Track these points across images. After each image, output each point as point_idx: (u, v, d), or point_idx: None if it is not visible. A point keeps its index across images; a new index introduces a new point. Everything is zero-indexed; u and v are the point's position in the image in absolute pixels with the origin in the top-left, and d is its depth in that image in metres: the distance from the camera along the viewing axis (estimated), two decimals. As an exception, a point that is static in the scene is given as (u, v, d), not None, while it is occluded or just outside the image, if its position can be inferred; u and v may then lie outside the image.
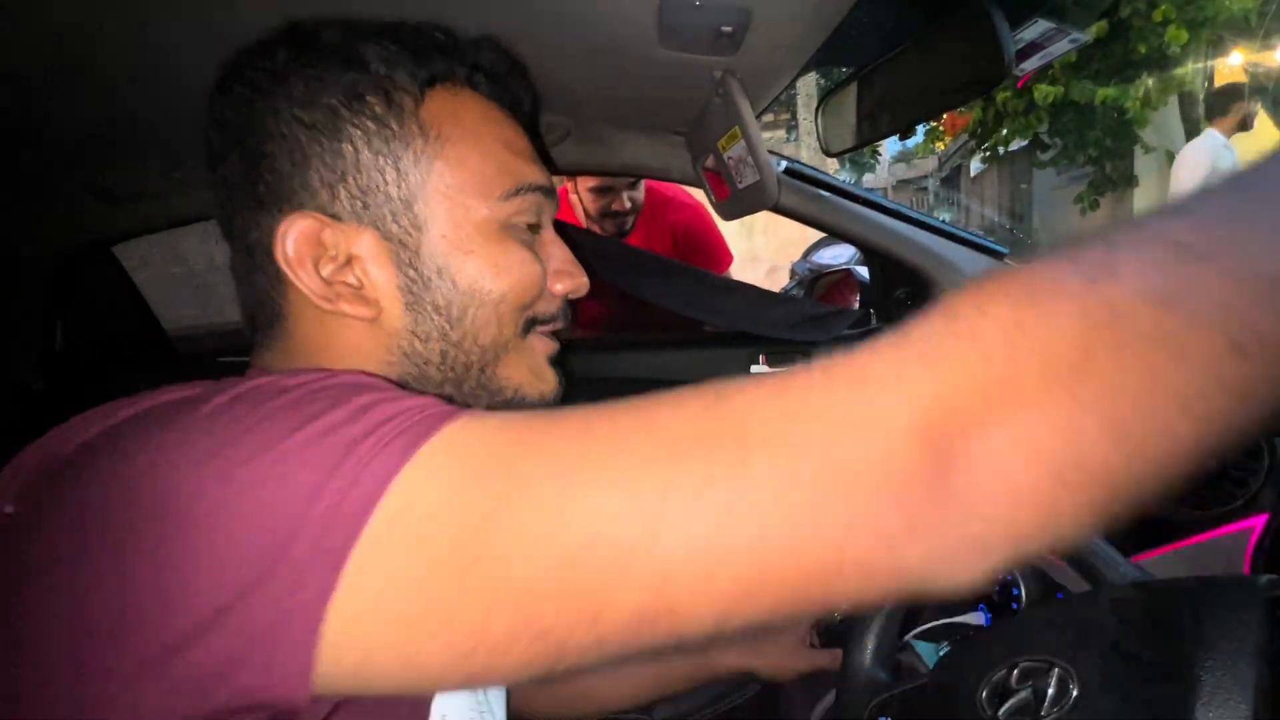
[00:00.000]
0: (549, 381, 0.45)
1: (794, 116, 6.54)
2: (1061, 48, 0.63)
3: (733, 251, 1.81)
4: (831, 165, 6.17)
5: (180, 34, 0.58)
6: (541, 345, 0.45)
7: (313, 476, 0.24)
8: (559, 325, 0.46)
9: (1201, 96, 5.72)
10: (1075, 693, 0.30)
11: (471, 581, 0.24)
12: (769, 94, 0.82)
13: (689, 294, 1.38)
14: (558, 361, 0.47)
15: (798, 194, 1.15)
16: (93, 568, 0.24)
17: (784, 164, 1.16)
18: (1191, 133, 5.92)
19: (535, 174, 0.43)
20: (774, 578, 0.24)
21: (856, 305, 1.76)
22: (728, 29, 0.60)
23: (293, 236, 0.37)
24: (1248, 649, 0.24)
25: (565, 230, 1.39)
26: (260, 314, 0.41)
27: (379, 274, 0.39)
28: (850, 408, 0.24)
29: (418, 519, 0.24)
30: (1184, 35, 4.82)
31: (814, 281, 1.96)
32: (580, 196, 1.59)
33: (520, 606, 0.24)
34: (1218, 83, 5.47)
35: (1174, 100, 5.56)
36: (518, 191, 0.41)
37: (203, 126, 0.40)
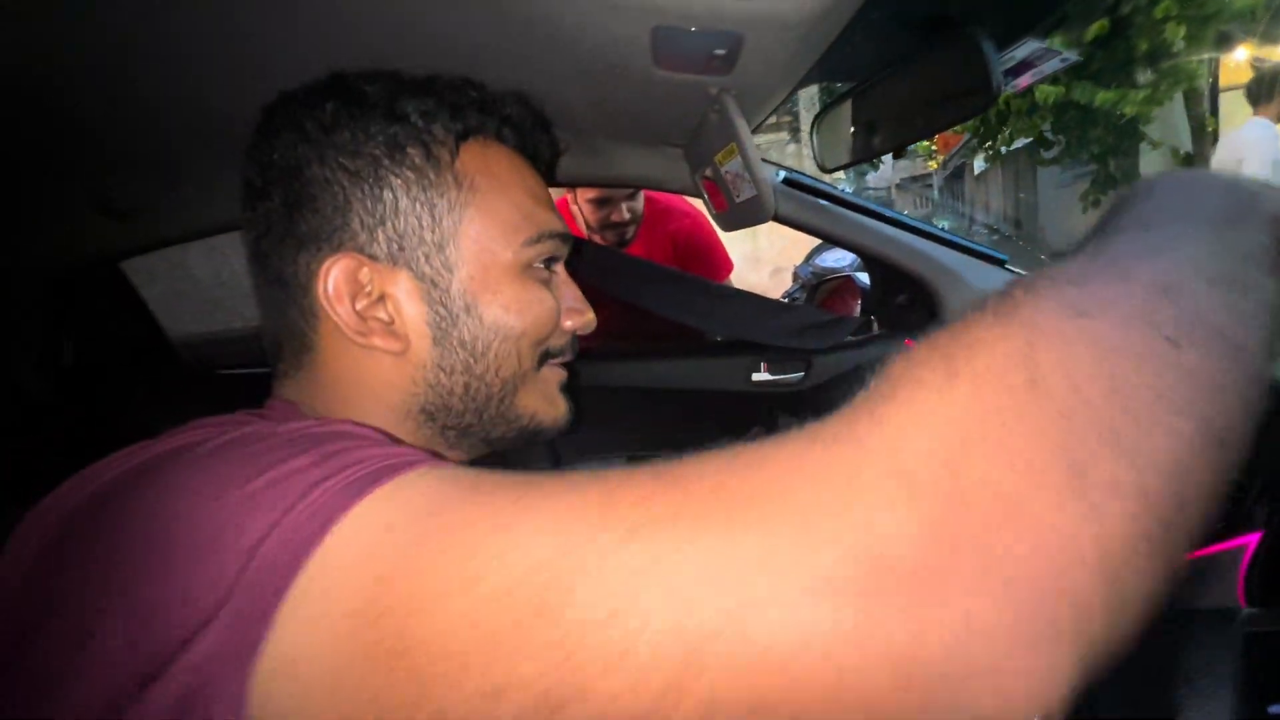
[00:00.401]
0: (561, 407, 0.50)
1: (797, 120, 6.53)
2: (1052, 65, 0.64)
3: (737, 253, 1.81)
4: (834, 166, 6.15)
5: (186, 51, 0.59)
6: (553, 375, 0.49)
7: (268, 517, 0.24)
8: (568, 357, 0.50)
9: (1207, 93, 5.68)
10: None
11: (375, 636, 0.22)
12: (765, 109, 0.82)
13: (689, 303, 1.38)
14: (566, 388, 0.51)
15: (797, 204, 1.16)
16: (88, 607, 0.24)
17: (782, 174, 1.17)
18: (1197, 130, 5.89)
19: (554, 221, 0.47)
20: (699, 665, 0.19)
21: (858, 311, 1.76)
22: (721, 51, 0.60)
23: (334, 274, 0.40)
24: (1225, 684, 0.24)
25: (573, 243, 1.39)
26: (288, 345, 0.43)
27: (410, 310, 0.42)
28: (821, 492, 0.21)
29: (344, 564, 0.23)
30: (1183, 31, 4.79)
31: (816, 287, 1.96)
32: (580, 208, 1.60)
33: (418, 675, 0.21)
34: (1223, 80, 5.43)
35: (1179, 97, 5.53)
36: (539, 239, 0.45)
37: (240, 163, 0.45)
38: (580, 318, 0.50)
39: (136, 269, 1.29)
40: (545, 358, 0.48)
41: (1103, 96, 5.18)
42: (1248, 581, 0.47)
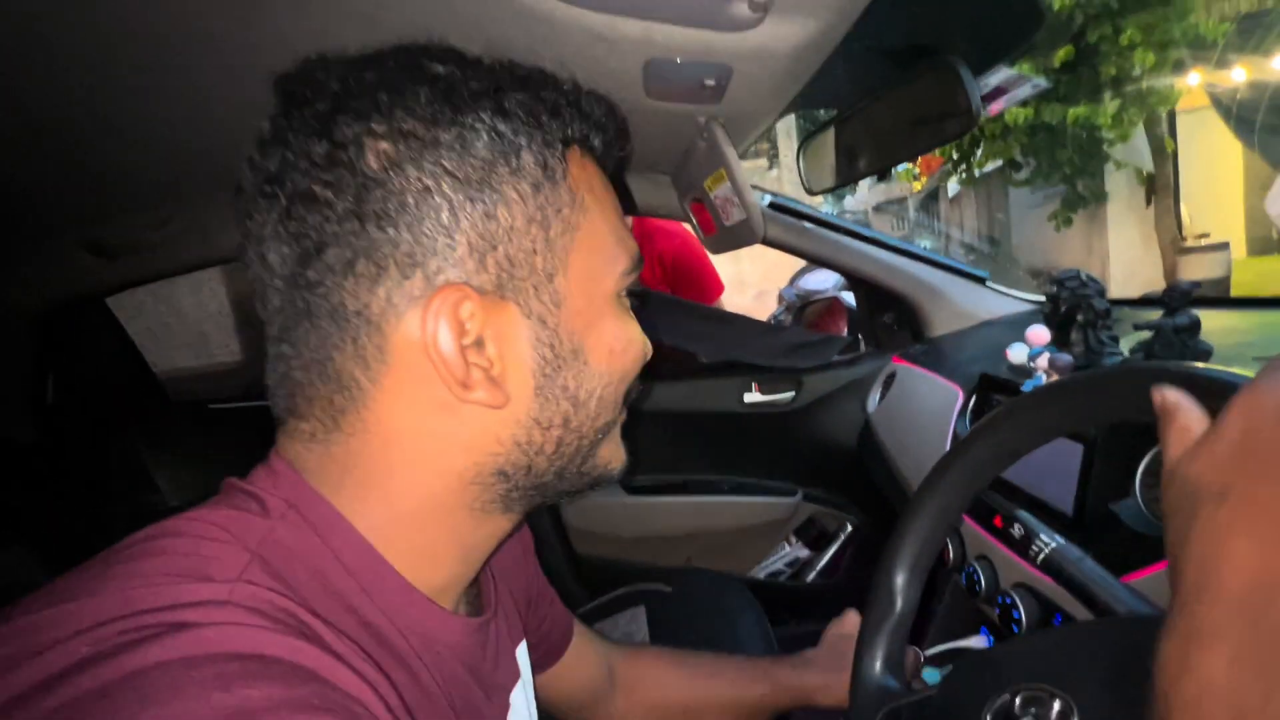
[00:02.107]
0: (624, 452, 0.42)
1: (775, 147, 6.69)
2: (1024, 91, 0.67)
3: (720, 276, 1.83)
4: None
5: (174, 91, 0.60)
6: (623, 417, 0.42)
7: None
8: (634, 395, 0.43)
9: (1165, 116, 5.93)
10: None
11: None
12: (751, 135, 0.85)
13: (679, 326, 1.40)
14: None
15: (782, 227, 1.19)
16: None
17: (768, 198, 1.20)
18: (1157, 149, 6.13)
19: (635, 244, 0.40)
20: None
21: (845, 331, 1.79)
22: (710, 82, 0.63)
23: (439, 311, 0.32)
24: None
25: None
26: (322, 398, 0.33)
27: (515, 355, 0.34)
28: None
29: None
30: (1152, 58, 5.03)
31: (802, 308, 1.99)
32: None
33: None
34: (1181, 103, 5.68)
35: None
36: (633, 266, 0.39)
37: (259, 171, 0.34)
38: (649, 348, 0.42)
39: (122, 304, 1.28)
40: (627, 399, 0.41)
41: (1074, 113, 5.40)
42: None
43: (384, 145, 0.31)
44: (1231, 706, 0.22)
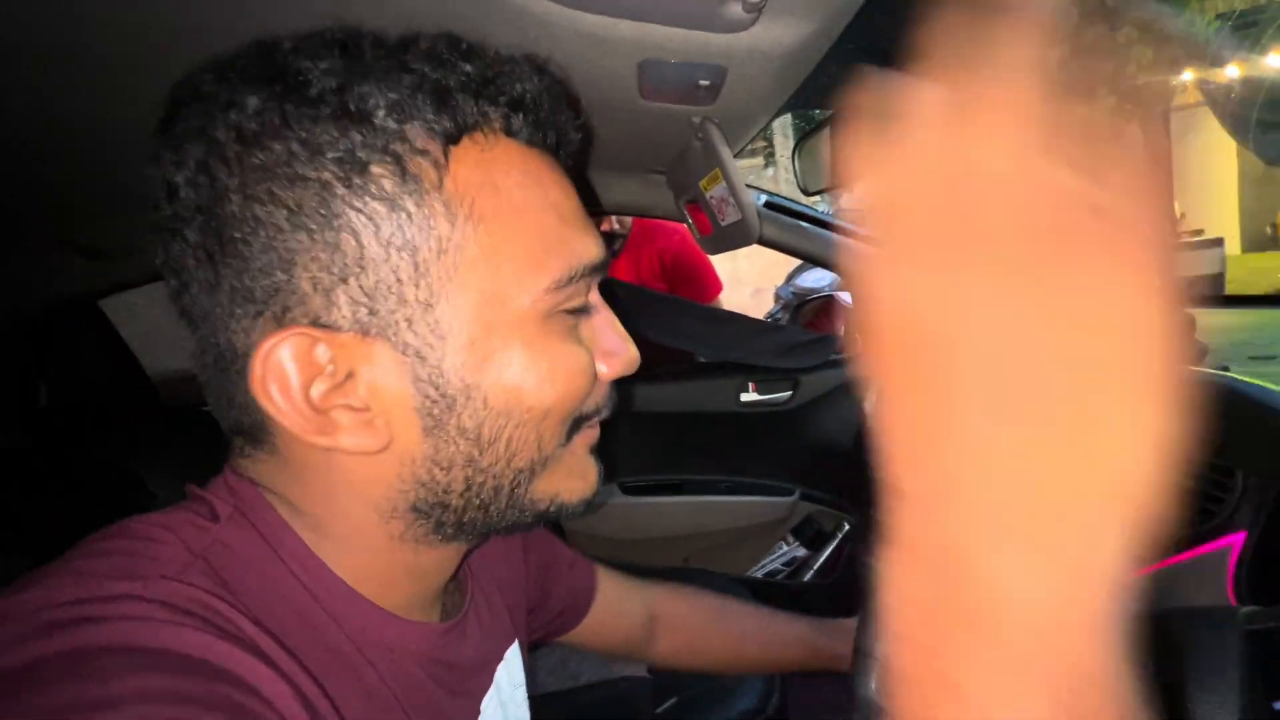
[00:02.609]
0: (591, 479, 0.37)
1: (771, 145, 6.70)
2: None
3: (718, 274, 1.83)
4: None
5: (165, 90, 0.60)
6: (584, 440, 0.37)
7: None
8: (605, 415, 0.37)
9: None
10: None
11: None
12: (746, 135, 0.85)
13: (676, 325, 1.40)
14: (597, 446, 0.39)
15: (778, 226, 1.18)
16: None
17: (763, 198, 1.20)
18: (1152, 147, 6.14)
19: (589, 247, 0.33)
20: None
21: (842, 329, 1.79)
22: (705, 82, 0.62)
23: (277, 358, 0.28)
24: (1234, 684, 0.25)
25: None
26: (242, 424, 0.32)
27: (390, 394, 0.30)
28: None
29: None
30: (1150, 54, 5.04)
31: (799, 306, 2.00)
32: None
33: None
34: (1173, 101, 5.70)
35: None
36: (570, 278, 0.32)
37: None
38: (621, 359, 0.37)
39: (114, 307, 1.27)
40: (578, 426, 0.35)
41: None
42: (1236, 581, 0.49)
43: (216, 171, 0.28)
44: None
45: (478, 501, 0.33)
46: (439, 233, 0.29)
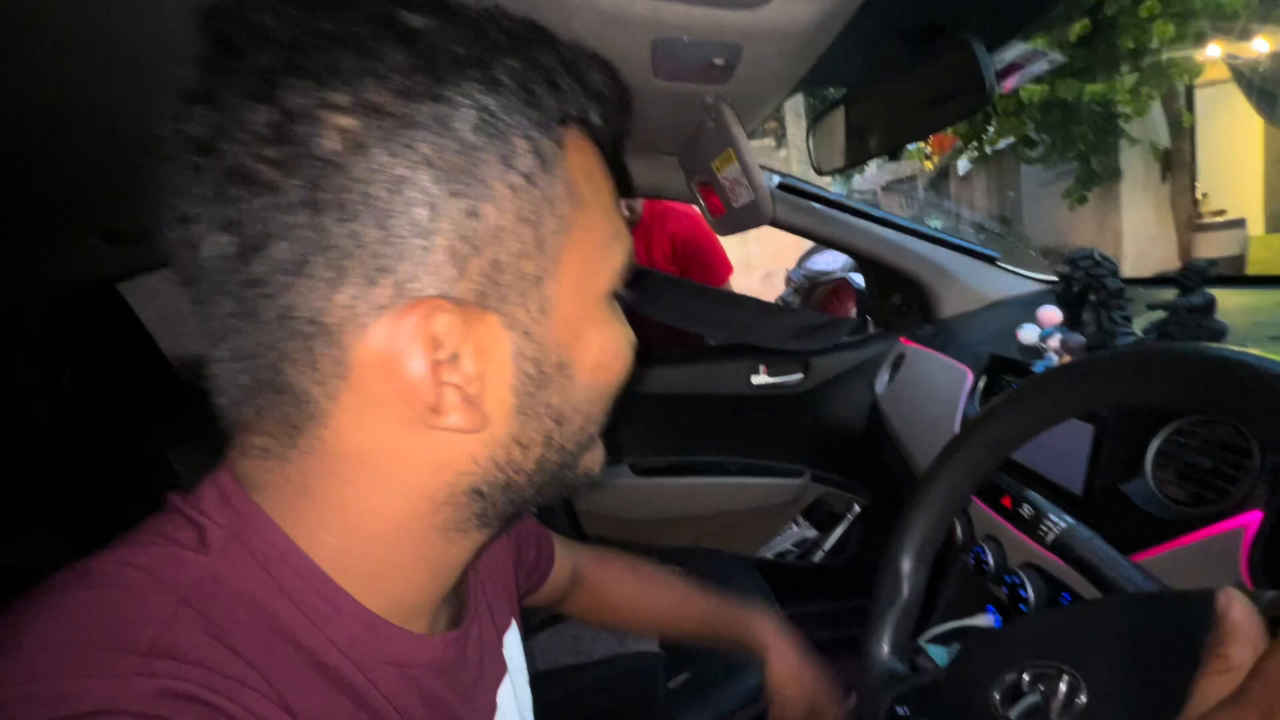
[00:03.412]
0: (602, 451, 0.38)
1: (783, 126, 6.60)
2: (1039, 67, 0.66)
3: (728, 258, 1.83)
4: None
5: (185, 74, 0.60)
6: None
7: None
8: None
9: (1183, 89, 5.79)
10: (1084, 700, 0.32)
11: None
12: (760, 115, 0.84)
13: (687, 308, 1.40)
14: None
15: (791, 207, 1.18)
16: None
17: (776, 179, 1.19)
18: (1174, 124, 6.00)
19: (629, 235, 0.35)
20: None
21: (853, 312, 1.78)
22: (719, 61, 0.62)
23: (410, 325, 0.27)
24: None
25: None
26: (275, 412, 0.29)
27: (494, 372, 0.29)
28: None
29: None
30: (1171, 30, 4.89)
31: (810, 290, 1.98)
32: None
33: None
34: (1199, 77, 5.54)
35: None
36: (629, 260, 0.34)
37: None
38: (634, 342, 0.37)
39: (134, 290, 1.29)
40: (612, 405, 0.36)
41: (1091, 89, 5.27)
42: (1251, 562, 0.49)
43: (347, 121, 0.25)
44: None
45: (540, 480, 0.33)
46: (558, 212, 0.30)
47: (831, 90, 0.96)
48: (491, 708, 0.41)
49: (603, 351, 0.33)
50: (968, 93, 0.56)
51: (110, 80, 0.59)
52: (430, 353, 0.27)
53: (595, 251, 0.32)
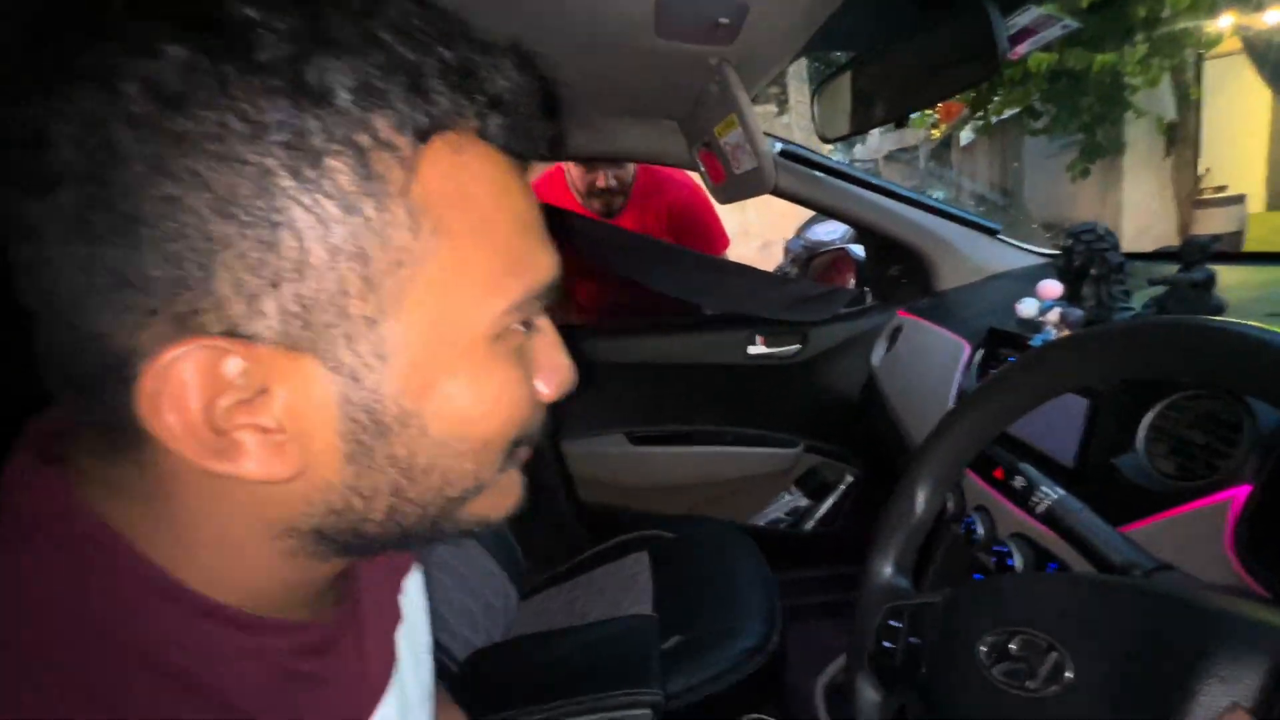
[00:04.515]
0: (516, 494, 0.34)
1: (785, 92, 6.47)
2: (1053, 33, 0.64)
3: (725, 227, 1.80)
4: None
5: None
6: (517, 464, 0.34)
7: None
8: (536, 440, 0.34)
9: (1192, 61, 5.69)
10: (1069, 678, 0.33)
11: None
12: (764, 79, 0.82)
13: (684, 277, 1.39)
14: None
15: (793, 176, 1.16)
16: None
17: (779, 146, 1.17)
18: (1181, 97, 5.91)
19: (549, 264, 0.30)
20: None
21: (852, 283, 1.78)
22: (725, 20, 0.60)
23: (172, 376, 0.23)
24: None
25: (556, 215, 1.39)
26: (100, 430, 0.26)
27: (311, 417, 0.26)
28: None
29: None
30: None
31: (809, 260, 1.97)
32: (569, 170, 1.58)
33: None
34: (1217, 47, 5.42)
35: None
36: (526, 299, 0.29)
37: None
38: (559, 376, 0.33)
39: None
40: (512, 452, 0.32)
41: (1101, 59, 5.16)
42: (1236, 534, 0.50)
43: (117, 131, 0.21)
44: None
45: (398, 529, 0.30)
46: (398, 243, 0.25)
47: (839, 55, 0.93)
48: (391, 657, 0.39)
49: (472, 403, 0.28)
50: (979, 58, 0.54)
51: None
52: (211, 394, 0.24)
53: (465, 290, 0.27)
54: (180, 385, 0.23)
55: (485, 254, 0.27)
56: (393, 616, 0.41)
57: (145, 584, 0.27)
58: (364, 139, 0.24)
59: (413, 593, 0.45)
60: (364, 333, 0.25)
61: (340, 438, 0.26)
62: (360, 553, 0.31)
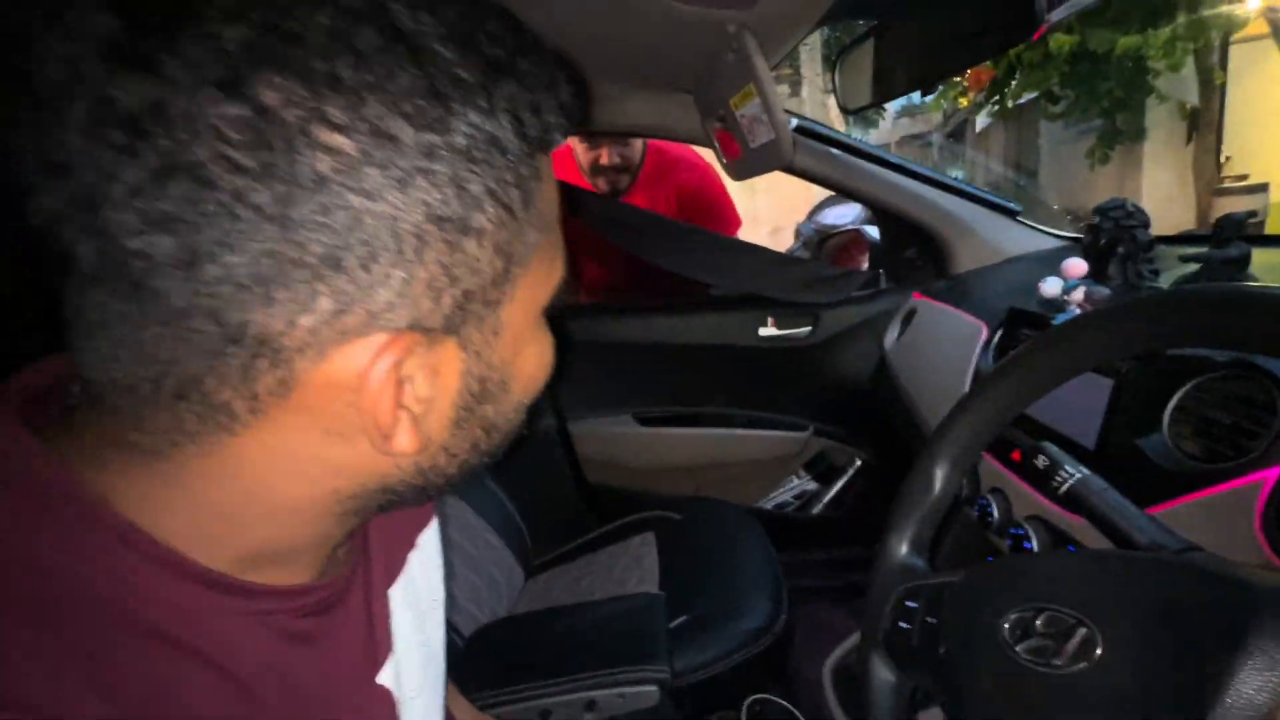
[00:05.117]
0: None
1: (797, 72, 6.36)
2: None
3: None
4: (837, 121, 6.02)
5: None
6: None
7: None
8: None
9: (1217, 45, 5.55)
10: (1098, 654, 0.31)
11: None
12: (783, 49, 0.80)
13: (695, 256, 1.37)
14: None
15: (810, 153, 1.13)
16: None
17: (795, 121, 1.14)
18: (1205, 82, 5.76)
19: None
20: None
21: (866, 266, 1.75)
22: (745, -19, 0.58)
23: (374, 372, 0.26)
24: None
25: (567, 190, 1.37)
26: (170, 413, 0.25)
27: (443, 391, 0.28)
28: None
29: None
30: None
31: (821, 243, 1.94)
32: (574, 148, 1.56)
33: None
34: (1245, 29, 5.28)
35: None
36: (564, 274, 0.33)
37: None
38: None
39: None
40: None
41: (1124, 42, 5.03)
42: (1265, 517, 0.48)
43: (339, 140, 0.22)
44: None
45: (458, 479, 0.32)
46: (529, 240, 0.28)
47: (860, 25, 0.90)
48: (386, 613, 0.39)
49: (537, 365, 0.33)
50: (1013, 21, 0.52)
51: None
52: (395, 380, 0.26)
53: (545, 272, 0.31)
54: (376, 373, 0.26)
55: (556, 241, 0.31)
56: (395, 572, 0.41)
57: (142, 557, 0.27)
58: (526, 155, 0.27)
59: (425, 547, 0.45)
60: (490, 314, 0.29)
61: (454, 407, 0.29)
62: (402, 506, 0.33)
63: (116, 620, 0.26)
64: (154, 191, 0.21)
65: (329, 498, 0.29)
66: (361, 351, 0.25)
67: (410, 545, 0.43)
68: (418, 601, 0.43)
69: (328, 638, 0.34)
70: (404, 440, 0.27)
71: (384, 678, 0.37)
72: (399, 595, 0.41)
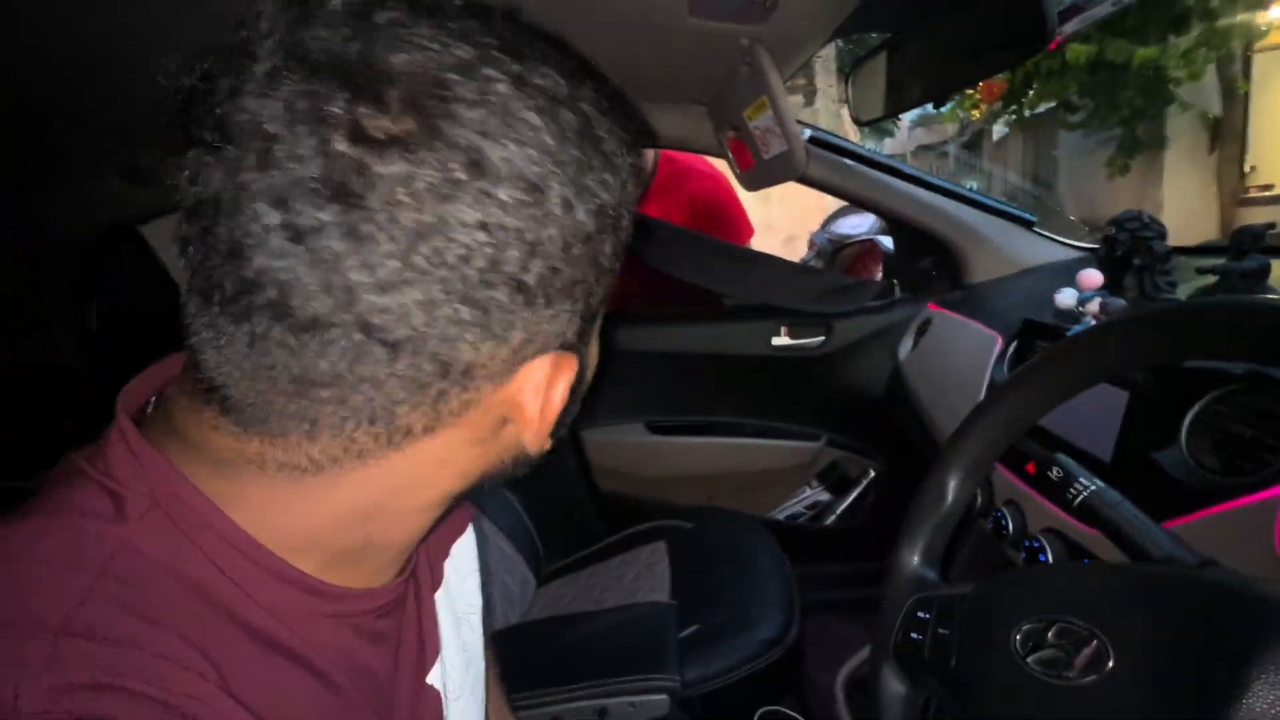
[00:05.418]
0: None
1: (812, 83, 6.38)
2: (1103, 9, 0.61)
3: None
4: (851, 131, 6.02)
5: (213, 20, 0.59)
6: None
7: None
8: None
9: (1240, 54, 5.47)
10: (1110, 666, 0.31)
11: None
12: (796, 62, 0.80)
13: (709, 266, 1.38)
14: None
15: (823, 163, 1.14)
16: None
17: (809, 132, 1.15)
18: (1227, 92, 5.68)
19: None
20: None
21: (880, 276, 1.75)
22: (759, -3, 0.59)
23: (551, 391, 0.30)
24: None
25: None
26: (340, 432, 0.26)
27: (563, 397, 0.31)
28: None
29: None
30: None
31: (835, 252, 1.94)
32: None
33: None
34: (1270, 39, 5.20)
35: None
36: None
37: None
38: None
39: (158, 232, 1.30)
40: None
41: (1141, 54, 4.98)
42: (1285, 532, 0.47)
43: (568, 194, 0.26)
44: None
45: (522, 468, 0.35)
46: (620, 258, 0.31)
47: (873, 38, 0.91)
48: (434, 616, 0.41)
49: (596, 360, 0.35)
50: (1024, 35, 0.52)
51: (135, 12, 0.58)
52: (554, 391, 0.30)
53: (614, 280, 0.33)
54: (540, 390, 0.29)
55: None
56: (437, 578, 0.43)
57: (241, 555, 0.28)
58: (632, 191, 0.30)
59: (459, 556, 0.46)
60: (591, 326, 0.32)
61: (563, 407, 0.32)
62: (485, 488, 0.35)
63: (227, 621, 0.27)
64: (401, 255, 0.23)
65: (444, 498, 0.32)
66: (535, 372, 0.29)
67: (445, 553, 0.45)
68: (454, 607, 0.44)
69: (396, 637, 0.35)
70: (538, 443, 0.31)
71: (432, 678, 0.39)
72: (441, 600, 0.42)
